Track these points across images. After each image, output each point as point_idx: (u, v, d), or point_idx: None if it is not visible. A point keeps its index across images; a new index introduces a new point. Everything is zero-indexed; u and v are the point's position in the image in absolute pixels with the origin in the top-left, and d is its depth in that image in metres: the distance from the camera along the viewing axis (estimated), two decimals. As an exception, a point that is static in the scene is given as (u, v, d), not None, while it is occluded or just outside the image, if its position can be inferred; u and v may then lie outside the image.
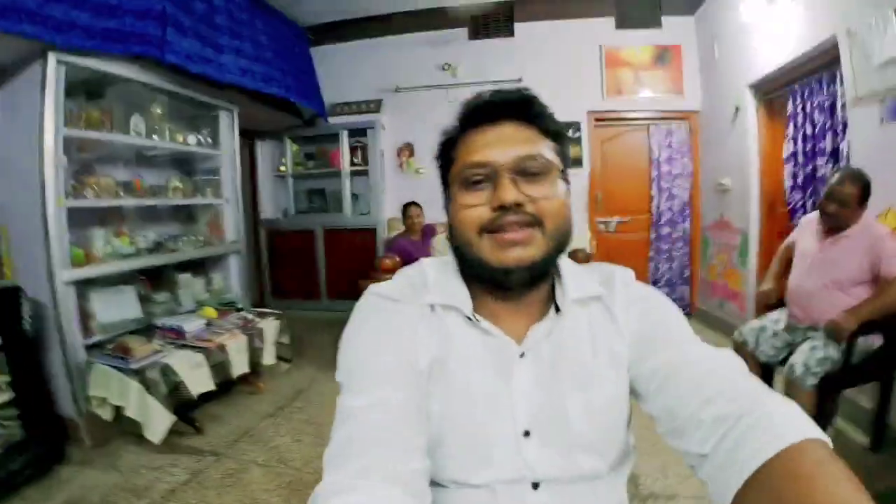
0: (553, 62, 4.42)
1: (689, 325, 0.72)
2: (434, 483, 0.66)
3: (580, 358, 0.71)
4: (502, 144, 0.68)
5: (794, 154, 2.97)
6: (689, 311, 4.58)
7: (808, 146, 2.85)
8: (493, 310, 0.73)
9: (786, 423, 0.48)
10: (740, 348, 2.34)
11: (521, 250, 0.66)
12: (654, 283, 4.54)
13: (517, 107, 0.71)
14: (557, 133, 0.73)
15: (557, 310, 0.73)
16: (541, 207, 0.66)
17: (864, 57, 2.27)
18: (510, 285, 0.69)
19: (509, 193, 0.64)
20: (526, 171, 0.67)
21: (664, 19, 4.30)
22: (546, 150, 0.69)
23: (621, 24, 4.34)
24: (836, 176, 2.10)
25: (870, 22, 2.19)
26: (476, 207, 0.68)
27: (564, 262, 0.78)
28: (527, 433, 0.67)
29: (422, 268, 0.80)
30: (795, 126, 2.95)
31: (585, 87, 4.44)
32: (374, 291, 0.75)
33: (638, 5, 4.26)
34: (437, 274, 0.76)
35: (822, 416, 2.01)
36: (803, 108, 2.89)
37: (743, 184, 3.61)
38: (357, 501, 0.47)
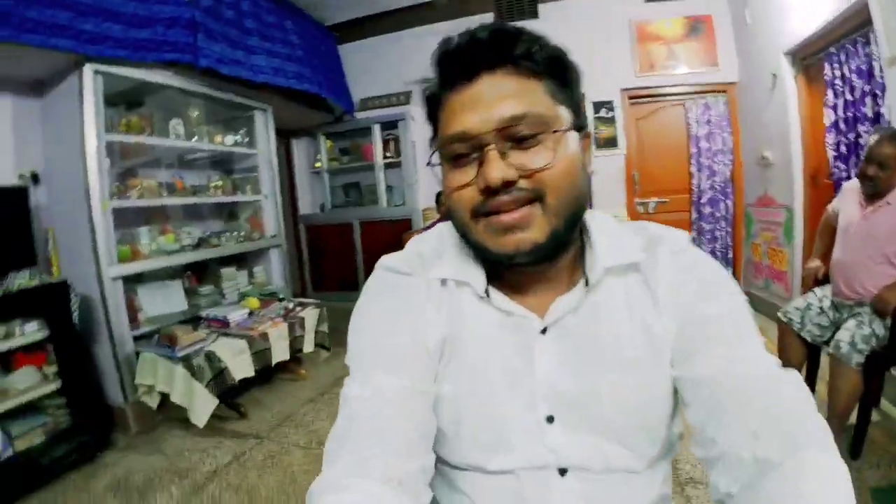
0: (582, 41, 4.26)
1: (748, 309, 0.60)
2: (455, 466, 0.64)
3: (613, 336, 0.61)
4: (481, 107, 0.55)
5: (836, 122, 2.79)
6: (733, 294, 4.38)
7: (850, 113, 2.68)
8: (513, 281, 0.65)
9: (815, 492, 0.43)
10: (785, 329, 2.25)
11: (520, 234, 0.56)
12: (696, 264, 4.39)
13: (494, 52, 0.56)
14: (557, 69, 0.58)
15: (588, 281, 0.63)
16: (539, 180, 0.54)
17: (896, 14, 2.13)
18: (518, 267, 0.60)
19: (495, 171, 0.53)
20: (516, 136, 0.55)
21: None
22: (539, 101, 0.56)
23: (651, -4, 4.20)
24: (875, 137, 1.99)
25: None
26: (464, 189, 0.57)
27: (600, 221, 0.67)
28: (550, 419, 0.61)
29: (439, 233, 0.72)
30: (835, 92, 2.79)
31: (617, 64, 4.31)
32: (384, 264, 0.70)
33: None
34: (452, 241, 0.68)
35: (868, 394, 1.91)
36: (841, 73, 2.73)
37: (785, 156, 3.43)
38: (351, 501, 0.47)
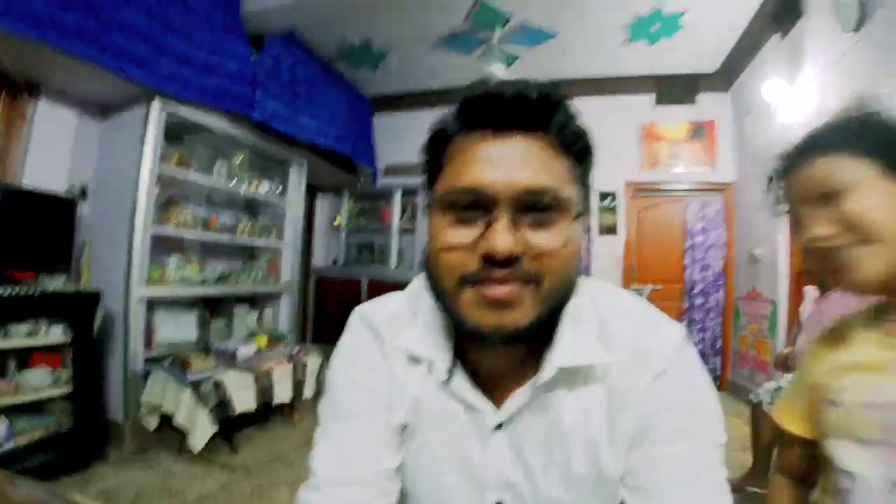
0: (594, 135, 4.67)
1: (720, 438, 0.57)
2: None
3: (562, 452, 0.59)
4: (506, 167, 0.50)
5: (818, 224, 3.04)
6: (719, 384, 4.50)
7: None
8: (480, 360, 0.61)
9: None
10: (756, 408, 2.39)
11: (507, 313, 0.51)
12: (688, 353, 4.50)
13: (536, 112, 0.52)
14: (584, 151, 0.56)
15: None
16: (543, 262, 0.51)
17: (875, 129, 2.38)
18: (488, 343, 0.56)
19: (504, 242, 0.48)
20: (533, 210, 0.51)
21: (701, 96, 4.56)
22: (565, 179, 0.53)
23: (660, 100, 4.63)
24: None
25: (880, 95, 2.32)
26: (458, 251, 0.51)
27: (586, 301, 0.61)
28: None
29: (418, 289, 0.68)
30: None
31: (623, 158, 4.67)
32: (364, 316, 0.69)
33: (676, 83, 4.56)
34: (427, 301, 0.62)
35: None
36: None
37: (773, 254, 3.66)
38: None
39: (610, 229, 4.77)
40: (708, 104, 4.57)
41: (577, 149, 0.55)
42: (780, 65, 3.46)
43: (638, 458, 0.56)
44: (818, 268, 0.64)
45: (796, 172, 0.67)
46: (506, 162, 0.51)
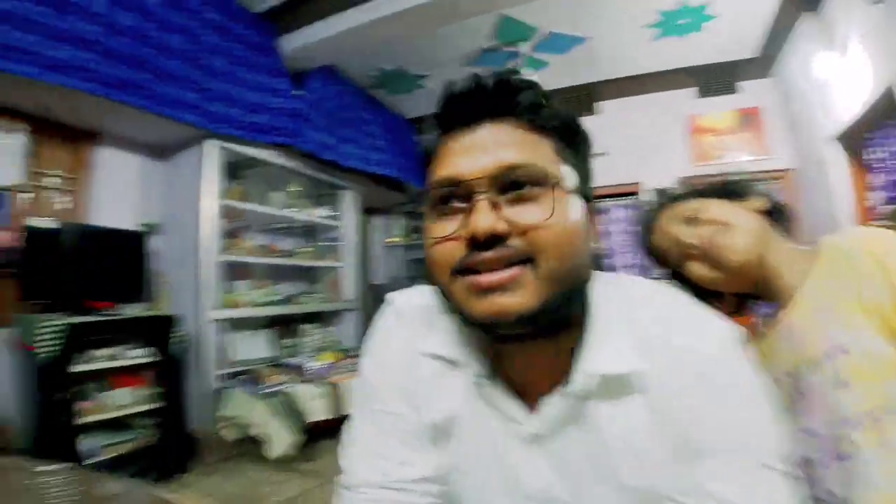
0: (640, 133, 4.56)
1: (771, 430, 0.51)
2: None
3: (610, 467, 0.54)
4: (478, 152, 0.50)
5: (878, 203, 2.87)
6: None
7: (893, 193, 2.77)
8: (514, 359, 0.57)
9: None
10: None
11: (505, 297, 0.48)
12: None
13: (498, 100, 0.52)
14: (564, 128, 0.54)
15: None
16: (532, 239, 0.48)
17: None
18: (508, 340, 0.54)
19: (482, 220, 0.47)
20: (512, 188, 0.50)
21: (743, 83, 4.39)
22: (543, 155, 0.51)
23: (703, 92, 4.49)
24: None
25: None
26: (447, 242, 0.51)
27: (607, 298, 0.57)
28: None
29: None
30: (877, 172, 2.88)
31: (673, 154, 4.50)
32: (396, 306, 0.68)
33: (716, 73, 4.42)
34: None
35: None
36: (884, 154, 2.83)
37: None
38: None
39: (672, 225, 4.64)
40: (752, 90, 4.38)
41: (555, 127, 0.53)
42: (814, 43, 3.32)
43: (682, 473, 0.51)
44: (707, 275, 0.84)
45: (659, 224, 0.93)
46: (477, 148, 0.51)
